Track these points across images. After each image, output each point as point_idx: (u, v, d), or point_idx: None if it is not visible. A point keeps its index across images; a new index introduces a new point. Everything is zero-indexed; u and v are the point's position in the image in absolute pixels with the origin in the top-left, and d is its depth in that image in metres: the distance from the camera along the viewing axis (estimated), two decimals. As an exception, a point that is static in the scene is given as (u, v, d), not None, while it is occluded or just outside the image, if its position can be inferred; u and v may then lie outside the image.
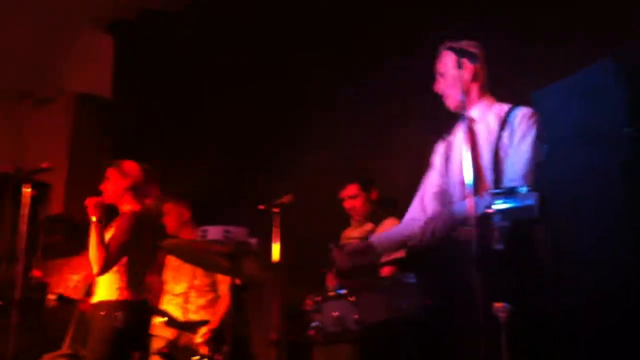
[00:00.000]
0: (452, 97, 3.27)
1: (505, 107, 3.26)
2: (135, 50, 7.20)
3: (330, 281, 4.39)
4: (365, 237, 4.49)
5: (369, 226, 4.62)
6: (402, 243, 3.43)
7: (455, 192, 3.24)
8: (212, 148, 6.30)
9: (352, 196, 4.66)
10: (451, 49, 3.10)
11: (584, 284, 2.59)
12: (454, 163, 3.32)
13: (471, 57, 3.05)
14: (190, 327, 4.95)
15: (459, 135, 3.29)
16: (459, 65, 2.99)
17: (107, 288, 4.06)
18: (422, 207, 3.43)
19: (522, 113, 3.15)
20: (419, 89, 3.73)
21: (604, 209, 2.52)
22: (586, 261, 2.58)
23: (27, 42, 7.05)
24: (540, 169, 2.84)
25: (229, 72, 6.34)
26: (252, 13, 6.29)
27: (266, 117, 6.02)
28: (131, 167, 4.35)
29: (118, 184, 4.27)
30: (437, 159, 3.45)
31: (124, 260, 4.06)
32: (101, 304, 4.04)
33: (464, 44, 3.16)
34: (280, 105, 5.95)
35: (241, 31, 6.33)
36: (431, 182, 3.42)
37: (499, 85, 4.55)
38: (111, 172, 4.32)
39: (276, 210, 4.62)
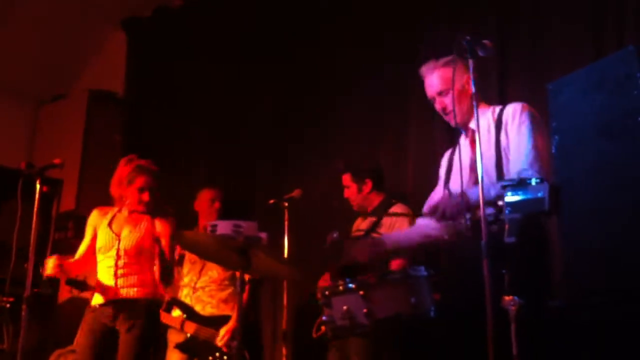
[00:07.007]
0: (458, 113, 3.21)
1: (496, 108, 3.28)
2: (148, 46, 7.22)
3: (325, 280, 4.35)
4: (370, 228, 4.46)
5: (374, 217, 4.56)
6: (421, 241, 3.42)
7: None
8: (223, 144, 6.29)
9: (345, 186, 4.62)
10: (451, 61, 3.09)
11: (599, 280, 2.51)
12: (454, 175, 3.35)
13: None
14: (212, 322, 4.93)
15: (457, 150, 3.27)
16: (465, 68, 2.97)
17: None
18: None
19: (512, 109, 3.19)
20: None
21: (623, 203, 2.41)
22: (602, 257, 2.48)
23: (39, 39, 7.08)
24: (556, 161, 2.76)
25: (242, 69, 6.33)
26: (267, 10, 6.27)
27: (281, 114, 6.02)
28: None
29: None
30: (441, 171, 3.52)
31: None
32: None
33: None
34: (296, 101, 5.94)
35: (255, 29, 6.32)
36: (438, 193, 3.46)
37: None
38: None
39: (286, 204, 4.63)
